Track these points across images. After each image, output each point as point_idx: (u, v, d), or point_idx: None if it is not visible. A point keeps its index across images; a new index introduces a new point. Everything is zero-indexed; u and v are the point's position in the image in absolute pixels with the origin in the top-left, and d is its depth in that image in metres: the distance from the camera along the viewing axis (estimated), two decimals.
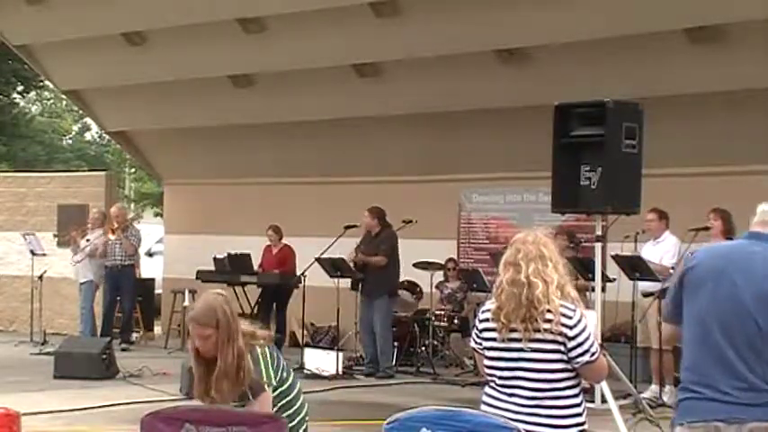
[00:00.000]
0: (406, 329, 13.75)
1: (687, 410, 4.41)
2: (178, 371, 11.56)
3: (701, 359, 4.38)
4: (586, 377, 4.81)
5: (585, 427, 4.75)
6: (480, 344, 4.85)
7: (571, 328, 4.65)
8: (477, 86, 13.79)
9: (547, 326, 4.63)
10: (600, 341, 9.65)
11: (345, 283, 13.24)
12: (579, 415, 4.72)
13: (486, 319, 4.80)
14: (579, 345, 4.65)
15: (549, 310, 4.64)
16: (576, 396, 4.73)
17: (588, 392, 10.23)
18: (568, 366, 4.67)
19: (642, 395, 10.33)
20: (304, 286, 13.29)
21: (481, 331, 4.84)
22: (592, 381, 5.30)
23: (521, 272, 4.69)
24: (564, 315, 4.65)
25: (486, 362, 4.81)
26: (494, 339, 4.75)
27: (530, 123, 12.48)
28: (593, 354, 4.68)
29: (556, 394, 4.66)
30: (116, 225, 15.02)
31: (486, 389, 4.83)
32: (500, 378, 4.74)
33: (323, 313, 14.07)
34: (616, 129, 9.19)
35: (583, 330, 4.67)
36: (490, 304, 4.82)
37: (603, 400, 9.10)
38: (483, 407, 4.76)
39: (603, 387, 9.09)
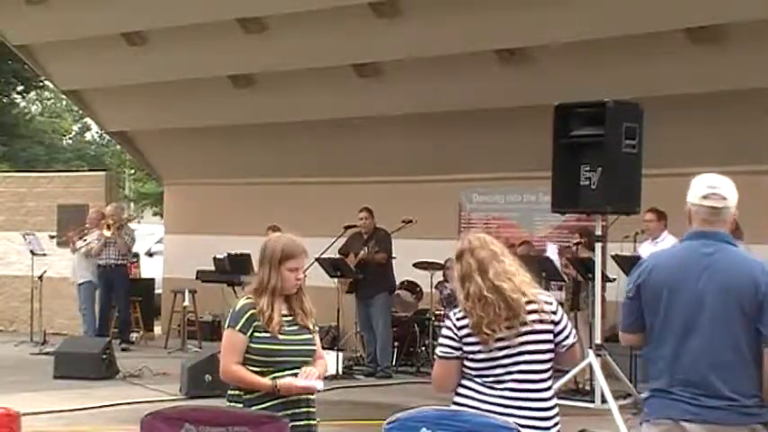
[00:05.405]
0: (406, 329, 13.74)
1: (652, 408, 4.47)
2: (178, 371, 11.57)
3: (667, 369, 4.38)
4: (565, 362, 4.85)
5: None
6: (460, 349, 4.65)
7: (555, 312, 4.70)
8: (478, 86, 13.77)
9: (534, 317, 4.63)
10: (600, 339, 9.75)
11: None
12: (556, 407, 4.76)
13: (466, 326, 4.66)
14: (565, 327, 4.71)
15: (529, 302, 4.64)
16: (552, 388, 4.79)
17: (588, 393, 10.31)
18: (552, 357, 4.69)
19: (642, 395, 10.31)
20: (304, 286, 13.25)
21: (461, 338, 4.65)
22: (569, 366, 5.35)
23: (482, 281, 4.63)
24: (545, 302, 4.70)
25: (471, 364, 4.66)
26: (479, 343, 4.63)
27: (530, 123, 12.47)
28: (574, 335, 4.76)
29: (543, 386, 4.68)
30: (111, 223, 14.95)
31: (464, 386, 4.70)
32: (492, 377, 4.63)
33: (323, 313, 13.87)
34: (616, 129, 9.20)
35: (563, 314, 4.75)
36: (462, 315, 4.67)
37: (603, 400, 9.10)
38: (461, 400, 4.67)
39: (603, 387, 9.10)
